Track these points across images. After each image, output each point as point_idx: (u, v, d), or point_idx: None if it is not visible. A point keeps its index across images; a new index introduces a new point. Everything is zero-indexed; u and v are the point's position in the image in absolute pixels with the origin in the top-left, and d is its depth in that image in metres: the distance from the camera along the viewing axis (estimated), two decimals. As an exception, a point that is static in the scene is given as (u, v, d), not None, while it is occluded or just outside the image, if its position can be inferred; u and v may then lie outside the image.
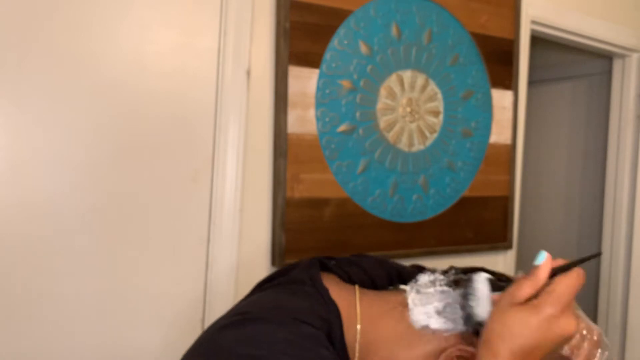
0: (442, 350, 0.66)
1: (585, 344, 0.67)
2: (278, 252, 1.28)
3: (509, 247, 1.75)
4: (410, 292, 0.70)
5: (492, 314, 0.60)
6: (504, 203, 1.71)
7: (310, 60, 1.31)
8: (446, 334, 0.66)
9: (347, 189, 1.38)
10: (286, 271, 0.77)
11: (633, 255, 2.12)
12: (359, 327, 0.69)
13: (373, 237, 1.43)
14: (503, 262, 1.78)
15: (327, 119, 1.33)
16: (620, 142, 2.18)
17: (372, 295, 0.73)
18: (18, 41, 1.02)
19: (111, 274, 1.12)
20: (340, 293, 0.70)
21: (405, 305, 0.69)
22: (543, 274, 0.59)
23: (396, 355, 0.68)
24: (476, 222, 1.63)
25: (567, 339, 0.57)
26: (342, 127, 1.36)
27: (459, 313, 0.66)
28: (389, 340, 0.68)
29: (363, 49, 1.39)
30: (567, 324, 0.56)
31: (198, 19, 1.21)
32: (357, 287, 0.74)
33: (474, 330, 0.65)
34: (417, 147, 1.50)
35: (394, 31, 1.45)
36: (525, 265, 0.75)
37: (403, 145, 1.47)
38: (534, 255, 0.71)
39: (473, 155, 1.62)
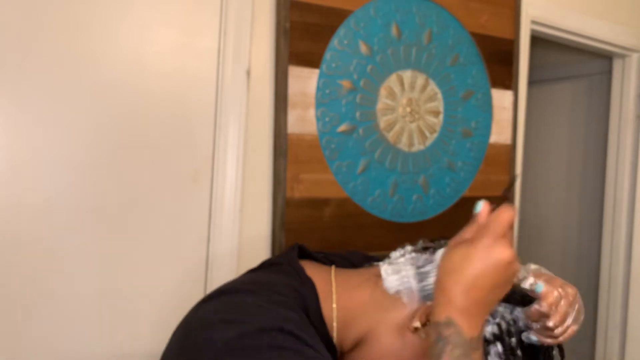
0: (417, 311, 0.69)
1: (563, 302, 0.70)
2: (278, 252, 1.28)
3: (509, 247, 1.75)
4: (383, 265, 0.74)
5: (441, 258, 0.65)
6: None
7: (310, 60, 1.31)
8: (418, 296, 0.70)
9: (347, 189, 1.38)
10: (269, 260, 0.81)
11: (633, 255, 2.12)
12: (334, 296, 0.71)
13: (373, 237, 1.43)
14: (503, 262, 1.78)
15: (327, 119, 1.33)
16: (620, 142, 2.18)
17: (347, 271, 0.77)
18: (18, 41, 1.02)
19: (111, 274, 1.12)
20: (316, 272, 0.74)
21: (379, 275, 0.73)
22: (482, 218, 0.66)
23: (373, 320, 0.70)
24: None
25: (507, 267, 0.61)
26: (342, 127, 1.36)
27: (430, 271, 0.71)
28: (365, 308, 0.71)
29: (363, 49, 1.39)
30: (502, 251, 0.61)
31: (198, 19, 1.21)
32: (333, 266, 0.77)
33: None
34: (417, 147, 1.50)
35: (394, 31, 1.45)
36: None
37: (403, 145, 1.47)
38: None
39: (473, 155, 1.62)
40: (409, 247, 0.76)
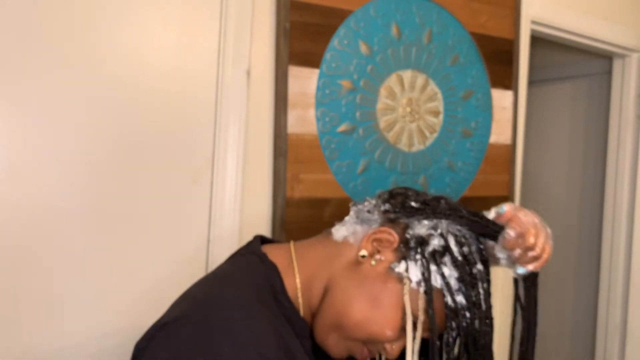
0: (361, 241, 0.74)
1: (528, 217, 0.73)
2: (278, 252, 1.28)
3: (509, 247, 1.75)
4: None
5: None
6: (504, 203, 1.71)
7: (310, 60, 1.31)
8: (363, 234, 0.74)
9: (347, 189, 1.38)
10: (235, 253, 0.84)
11: (633, 255, 2.12)
12: (296, 270, 0.75)
13: (373, 237, 1.43)
14: (503, 262, 1.78)
15: (327, 119, 1.33)
16: (620, 142, 2.18)
17: (304, 241, 0.80)
18: (18, 41, 1.02)
19: (111, 274, 1.12)
20: (277, 253, 0.77)
21: (329, 232, 0.78)
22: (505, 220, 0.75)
23: (330, 269, 0.74)
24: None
25: None
26: (342, 127, 1.36)
27: (374, 213, 0.75)
28: (321, 263, 0.75)
29: (363, 49, 1.39)
30: None
31: (198, 19, 1.21)
32: (291, 242, 0.80)
33: (386, 220, 0.74)
34: (417, 147, 1.50)
35: (394, 31, 1.45)
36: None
37: (403, 145, 1.47)
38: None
39: (473, 155, 1.62)
40: (351, 205, 0.82)
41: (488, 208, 0.78)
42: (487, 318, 0.70)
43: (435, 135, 1.54)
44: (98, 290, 1.11)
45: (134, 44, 1.13)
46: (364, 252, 0.72)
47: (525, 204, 2.42)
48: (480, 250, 0.72)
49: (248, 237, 1.27)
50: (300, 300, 0.73)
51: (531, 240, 0.70)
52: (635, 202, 2.12)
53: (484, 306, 0.69)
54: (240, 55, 1.24)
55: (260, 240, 0.82)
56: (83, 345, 1.09)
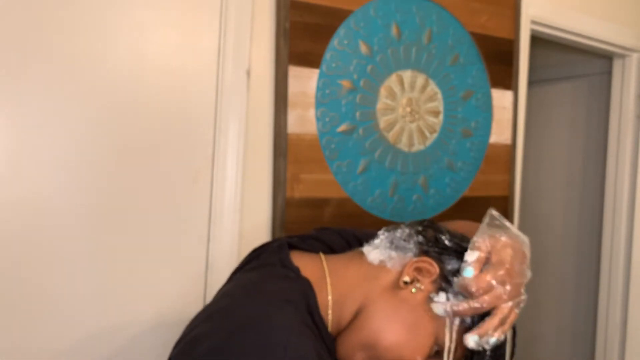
0: (404, 267, 0.75)
1: (496, 291, 0.70)
2: (278, 252, 1.28)
3: (509, 247, 1.75)
4: (364, 246, 0.80)
5: None
6: (504, 203, 1.71)
7: (310, 60, 1.31)
8: (401, 261, 0.75)
9: (347, 189, 1.38)
10: (256, 255, 0.82)
11: (633, 255, 2.12)
12: (329, 288, 0.75)
13: (373, 237, 1.43)
14: (503, 262, 1.77)
15: (327, 119, 1.33)
16: (620, 142, 2.18)
17: (335, 258, 0.81)
18: (18, 41, 1.02)
19: (110, 275, 1.12)
20: (309, 266, 0.76)
21: (362, 252, 0.79)
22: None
23: (365, 291, 0.75)
24: (476, 222, 1.63)
25: None
26: (342, 127, 1.36)
27: (409, 242, 0.77)
28: (357, 283, 0.75)
29: (363, 49, 1.39)
30: None
31: (198, 19, 1.21)
32: (322, 256, 0.80)
33: (420, 251, 0.76)
34: (417, 147, 1.50)
35: (394, 31, 1.45)
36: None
37: (403, 145, 1.47)
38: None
39: (473, 155, 1.62)
40: (383, 231, 0.82)
41: (488, 208, 0.79)
42: (504, 353, 0.72)
43: (435, 135, 1.54)
44: (98, 290, 1.11)
45: (134, 44, 1.13)
46: (406, 279, 0.73)
47: (525, 204, 2.42)
48: None
49: (248, 237, 1.28)
50: (330, 316, 0.74)
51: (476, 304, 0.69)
52: (635, 202, 2.12)
53: (503, 342, 0.72)
54: (240, 55, 1.24)
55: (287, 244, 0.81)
56: (83, 345, 1.09)
